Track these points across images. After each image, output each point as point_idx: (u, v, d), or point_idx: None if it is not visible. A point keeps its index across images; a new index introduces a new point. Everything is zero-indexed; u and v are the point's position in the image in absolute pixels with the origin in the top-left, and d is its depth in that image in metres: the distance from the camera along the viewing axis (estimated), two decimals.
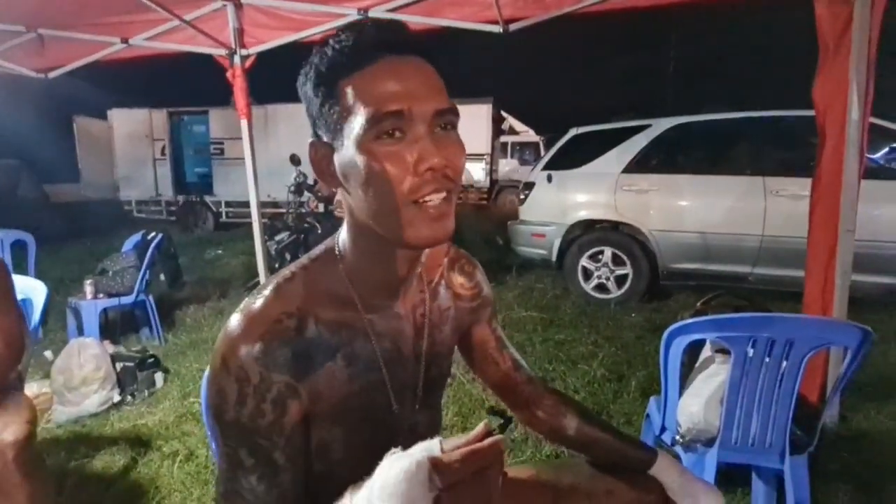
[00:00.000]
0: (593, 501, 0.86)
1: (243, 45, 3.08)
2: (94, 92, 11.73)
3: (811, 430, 1.47)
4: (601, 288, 4.32)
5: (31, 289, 2.17)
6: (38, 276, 2.79)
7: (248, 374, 0.59)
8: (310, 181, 5.78)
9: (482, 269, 0.89)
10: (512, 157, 13.81)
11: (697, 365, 1.58)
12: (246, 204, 3.89)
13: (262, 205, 3.41)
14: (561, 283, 4.61)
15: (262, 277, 3.45)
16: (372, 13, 2.74)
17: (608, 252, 4.26)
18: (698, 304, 1.88)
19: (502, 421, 0.93)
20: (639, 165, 4.21)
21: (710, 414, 1.46)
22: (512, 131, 15.89)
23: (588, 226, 4.38)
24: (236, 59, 3.08)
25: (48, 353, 3.17)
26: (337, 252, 0.69)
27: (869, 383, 2.47)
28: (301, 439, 0.65)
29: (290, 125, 9.49)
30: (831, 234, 2.06)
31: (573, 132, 4.68)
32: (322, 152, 0.63)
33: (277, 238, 5.11)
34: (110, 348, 2.98)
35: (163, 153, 11.09)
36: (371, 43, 0.58)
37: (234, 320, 0.62)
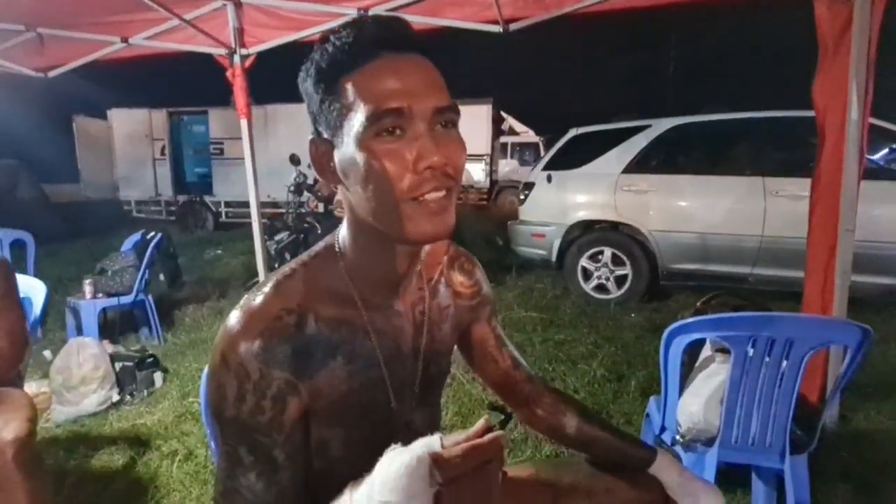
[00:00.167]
0: (593, 500, 0.86)
1: (243, 45, 3.07)
2: (94, 91, 11.75)
3: (811, 430, 1.47)
4: (601, 288, 4.32)
5: (30, 288, 2.17)
6: (38, 275, 2.79)
7: (248, 371, 0.59)
8: (309, 181, 5.78)
9: (482, 268, 0.89)
10: (512, 157, 13.82)
11: (697, 364, 1.58)
12: (245, 204, 3.89)
13: (261, 205, 3.41)
14: (561, 283, 4.61)
15: (261, 277, 3.44)
16: (372, 13, 2.74)
17: (608, 252, 4.26)
18: (698, 303, 1.88)
19: (503, 417, 0.94)
20: (639, 166, 4.21)
21: (710, 413, 1.46)
22: (512, 132, 15.90)
23: (588, 226, 4.38)
24: (236, 58, 3.07)
25: (47, 353, 3.17)
26: (337, 249, 0.69)
27: (868, 383, 2.47)
28: (300, 436, 0.65)
29: (290, 125, 9.49)
30: (831, 235, 2.05)
31: (573, 132, 4.68)
32: (322, 149, 0.63)
33: (277, 238, 5.11)
34: (109, 348, 2.98)
35: (162, 153, 11.08)
36: (371, 40, 0.58)
37: (234, 317, 0.62)
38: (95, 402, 2.53)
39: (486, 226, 7.88)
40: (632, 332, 3.50)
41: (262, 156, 4.41)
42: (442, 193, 0.58)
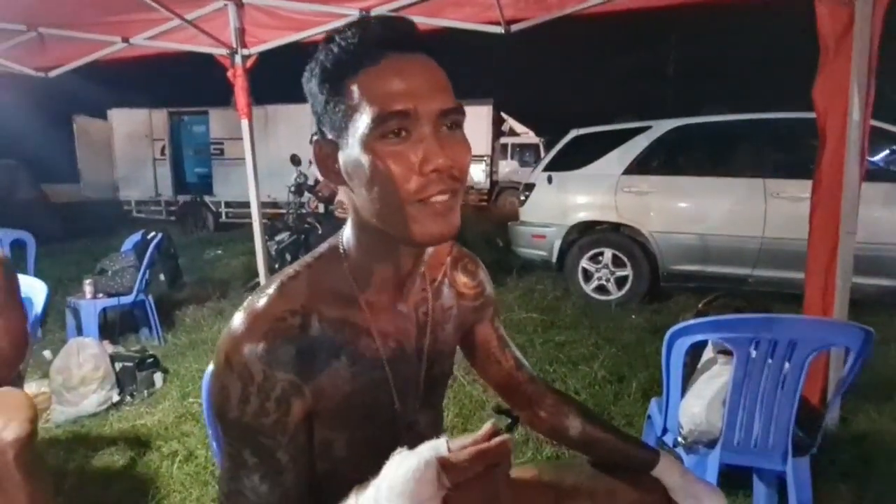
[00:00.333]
0: (595, 501, 0.85)
1: (244, 45, 3.07)
2: (95, 91, 11.73)
3: (813, 432, 1.47)
4: (601, 289, 4.31)
5: (30, 288, 2.16)
6: (38, 275, 2.77)
7: (252, 373, 0.59)
8: (310, 182, 5.77)
9: (485, 269, 0.89)
10: (512, 158, 13.83)
11: (699, 366, 1.58)
12: (246, 204, 3.89)
13: (262, 205, 3.40)
14: (561, 284, 4.61)
15: (262, 278, 3.44)
16: (374, 13, 2.74)
17: (608, 253, 4.26)
18: (700, 305, 1.88)
19: (509, 420, 0.93)
20: (639, 167, 4.21)
21: (712, 415, 1.45)
22: (512, 132, 15.90)
23: (588, 227, 4.39)
24: (237, 58, 3.07)
25: (47, 353, 3.16)
26: (341, 250, 0.69)
27: (869, 385, 2.47)
28: (304, 438, 0.64)
29: (291, 126, 9.49)
30: (832, 237, 2.05)
31: (574, 133, 4.68)
32: (327, 150, 0.63)
33: (277, 238, 5.10)
34: (109, 348, 2.98)
35: (162, 153, 11.09)
36: (376, 40, 0.58)
37: (238, 318, 0.62)
38: (95, 403, 2.52)
39: (486, 227, 7.88)
40: (632, 333, 3.50)
41: (263, 156, 4.41)
42: (447, 195, 0.58)
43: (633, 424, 2.27)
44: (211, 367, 0.69)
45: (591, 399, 2.55)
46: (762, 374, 1.37)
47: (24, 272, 3.21)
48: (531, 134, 16.00)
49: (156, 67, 4.41)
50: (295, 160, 5.93)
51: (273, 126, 9.79)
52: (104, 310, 3.42)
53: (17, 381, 1.58)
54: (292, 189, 5.73)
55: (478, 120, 10.01)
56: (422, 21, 2.73)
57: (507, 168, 13.44)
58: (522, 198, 4.86)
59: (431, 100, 0.57)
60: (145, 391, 2.75)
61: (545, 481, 0.89)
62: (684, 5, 2.57)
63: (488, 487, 0.46)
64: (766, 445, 1.41)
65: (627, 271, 4.20)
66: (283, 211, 6.24)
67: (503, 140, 13.90)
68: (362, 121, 0.56)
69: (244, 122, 3.19)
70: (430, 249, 0.73)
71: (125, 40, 3.13)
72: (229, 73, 3.13)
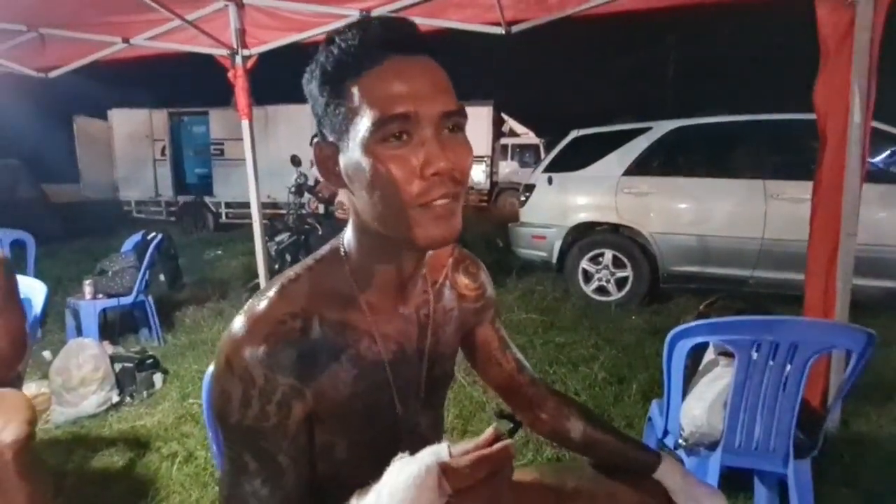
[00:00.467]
0: None
1: (245, 46, 3.07)
2: (95, 92, 11.75)
3: (814, 435, 1.47)
4: (601, 290, 4.31)
5: (30, 288, 2.16)
6: (37, 275, 2.78)
7: (253, 376, 0.59)
8: (310, 182, 5.77)
9: (486, 270, 0.89)
10: (512, 159, 13.83)
11: (700, 368, 1.58)
12: (246, 205, 3.88)
13: (262, 206, 3.40)
14: (561, 285, 4.61)
15: (261, 278, 3.44)
16: (374, 14, 2.74)
17: (609, 254, 4.26)
18: (701, 306, 1.87)
19: (511, 425, 0.93)
20: (639, 168, 4.21)
21: (713, 417, 1.45)
22: (512, 133, 15.90)
23: (588, 228, 4.38)
24: (238, 59, 3.07)
25: (46, 354, 3.16)
26: (342, 252, 0.68)
27: (869, 387, 2.47)
28: (305, 441, 0.64)
29: (291, 126, 9.50)
30: (832, 238, 2.05)
31: (574, 134, 4.68)
32: (327, 152, 0.63)
33: (277, 239, 5.10)
34: (109, 349, 2.97)
35: (163, 154, 11.09)
36: (378, 42, 0.57)
37: (238, 321, 0.61)
38: (95, 404, 2.52)
39: (486, 227, 7.88)
40: (632, 334, 3.50)
41: (263, 157, 4.41)
42: (449, 199, 0.58)
43: (633, 426, 2.26)
44: (211, 369, 0.69)
45: (591, 401, 2.54)
46: (763, 377, 1.36)
47: (24, 272, 3.21)
48: (531, 135, 16.01)
49: (156, 68, 4.41)
50: (295, 161, 5.93)
51: (273, 127, 9.80)
52: (104, 310, 3.41)
53: (17, 382, 1.58)
54: (292, 190, 5.73)
55: (478, 121, 10.03)
56: (422, 22, 2.72)
57: (508, 169, 13.44)
58: (522, 199, 4.86)
59: (433, 102, 0.56)
60: (145, 392, 2.74)
61: (546, 484, 0.88)
62: (684, 6, 2.57)
63: (490, 494, 0.45)
64: (768, 448, 1.41)
65: (627, 272, 4.20)
66: (284, 211, 6.24)
67: (503, 141, 13.91)
68: (363, 124, 0.56)
69: (244, 123, 3.19)
70: (431, 251, 0.73)
71: (125, 41, 3.12)
72: (230, 74, 3.13)
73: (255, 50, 3.10)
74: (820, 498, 1.53)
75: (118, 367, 2.73)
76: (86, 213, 10.65)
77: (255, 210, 3.29)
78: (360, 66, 0.57)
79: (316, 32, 2.95)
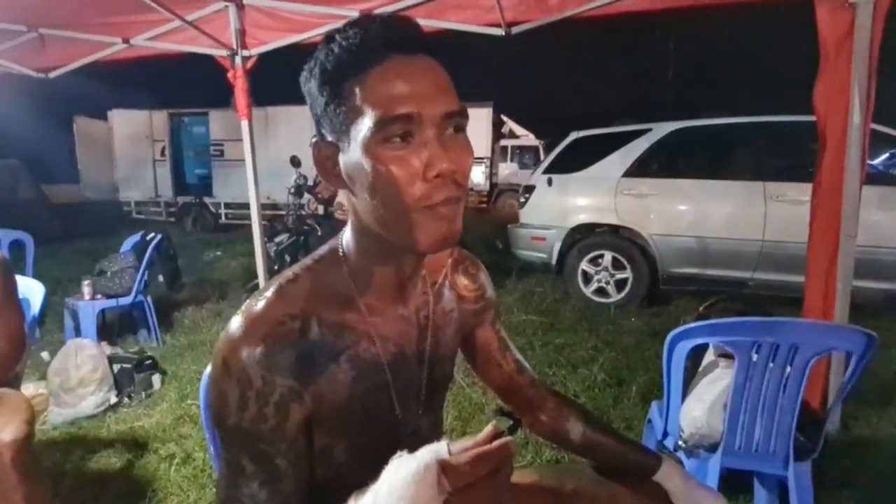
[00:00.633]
0: None
1: (245, 46, 3.07)
2: (95, 92, 11.74)
3: (814, 437, 1.46)
4: (601, 292, 4.31)
5: (28, 289, 2.16)
6: (36, 276, 2.78)
7: (251, 378, 0.58)
8: (310, 183, 5.78)
9: (486, 271, 0.89)
10: (512, 160, 13.82)
11: (700, 370, 1.57)
12: (245, 206, 3.88)
13: (261, 206, 3.40)
14: (561, 286, 4.61)
15: (261, 279, 3.43)
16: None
17: (608, 256, 4.26)
18: (701, 308, 1.87)
19: (511, 423, 0.92)
20: (639, 169, 4.21)
21: (713, 419, 1.45)
22: (512, 135, 15.91)
23: (588, 229, 4.38)
24: (238, 59, 3.07)
25: (45, 354, 3.15)
26: (341, 253, 0.68)
27: (870, 390, 2.46)
28: (304, 443, 0.63)
29: (291, 127, 9.51)
30: (832, 240, 2.05)
31: (574, 136, 4.68)
32: (326, 152, 0.62)
33: (277, 240, 5.10)
34: (107, 349, 2.97)
35: (162, 154, 11.10)
36: (379, 41, 0.56)
37: (236, 322, 0.61)
38: (93, 404, 2.51)
39: (485, 229, 7.88)
40: (632, 336, 3.49)
41: (263, 157, 4.41)
42: (452, 202, 0.57)
43: (633, 428, 2.26)
44: (209, 370, 0.68)
45: (591, 402, 2.54)
46: (763, 378, 1.36)
47: (23, 273, 3.20)
48: (531, 136, 16.00)
49: (156, 68, 4.43)
50: (295, 161, 5.93)
51: (273, 127, 9.81)
52: (103, 311, 3.41)
53: (15, 383, 1.57)
54: (292, 190, 5.73)
55: (478, 122, 10.04)
56: (422, 23, 2.68)
57: (507, 170, 13.44)
58: (522, 200, 4.86)
59: (435, 103, 0.56)
60: (143, 393, 2.74)
61: (545, 486, 0.88)
62: (684, 8, 2.57)
63: (489, 492, 0.45)
64: (768, 450, 1.40)
65: (627, 274, 4.20)
66: (283, 212, 6.24)
67: (503, 142, 13.91)
68: (364, 124, 0.55)
69: (244, 124, 3.19)
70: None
71: (125, 41, 3.13)
72: (229, 75, 3.13)
73: (255, 50, 3.10)
74: (820, 500, 1.53)
75: (116, 367, 2.73)
76: (85, 213, 10.65)
77: (254, 211, 3.29)
78: (361, 66, 0.56)
79: (316, 33, 2.95)
